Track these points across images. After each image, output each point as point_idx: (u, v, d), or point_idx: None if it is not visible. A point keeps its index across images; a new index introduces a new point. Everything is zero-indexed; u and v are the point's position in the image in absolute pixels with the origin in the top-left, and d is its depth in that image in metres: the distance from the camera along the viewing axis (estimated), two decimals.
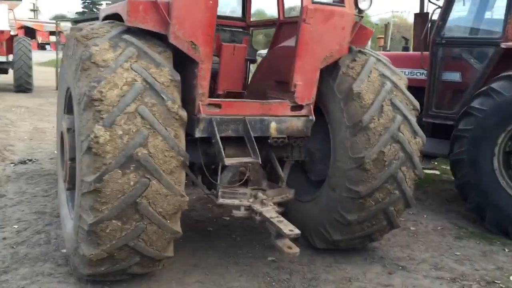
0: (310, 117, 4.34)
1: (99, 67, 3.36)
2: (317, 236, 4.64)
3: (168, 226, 3.50)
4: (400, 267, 4.56)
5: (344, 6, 4.17)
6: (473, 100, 5.61)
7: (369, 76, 4.25)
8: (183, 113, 3.50)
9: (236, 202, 4.13)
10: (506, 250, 5.15)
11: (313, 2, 4.03)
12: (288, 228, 3.71)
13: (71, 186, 3.93)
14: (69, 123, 3.92)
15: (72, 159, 3.81)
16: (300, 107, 4.31)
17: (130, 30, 3.62)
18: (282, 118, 4.25)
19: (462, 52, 6.28)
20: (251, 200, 4.14)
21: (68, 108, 4.18)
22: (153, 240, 3.53)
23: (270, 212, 3.97)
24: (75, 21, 5.30)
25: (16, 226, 5.05)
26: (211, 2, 3.67)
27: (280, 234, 3.77)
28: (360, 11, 4.28)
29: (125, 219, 3.35)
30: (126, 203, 3.29)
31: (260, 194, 4.16)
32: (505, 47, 5.68)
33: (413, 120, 4.27)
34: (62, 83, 4.31)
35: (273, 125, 4.22)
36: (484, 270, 4.60)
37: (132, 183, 3.28)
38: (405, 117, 4.20)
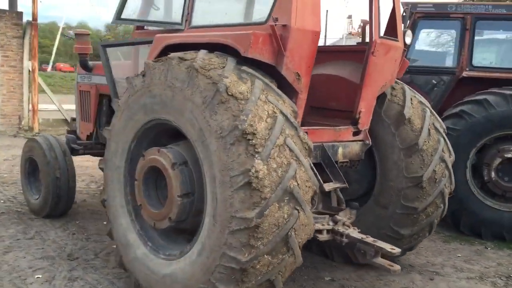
0: (367, 142, 4.66)
1: (238, 100, 3.28)
2: (360, 252, 4.94)
3: (300, 256, 3.52)
4: (434, 273, 5.10)
5: (398, 41, 4.61)
6: (445, 121, 6.47)
7: (411, 103, 4.75)
8: (311, 143, 3.57)
9: (319, 226, 4.25)
10: (489, 248, 6.04)
11: (380, 37, 4.40)
12: (389, 246, 3.98)
13: (175, 222, 3.68)
14: (174, 157, 3.66)
15: (185, 195, 3.59)
16: (358, 132, 4.61)
17: (242, 62, 3.58)
18: (346, 143, 4.51)
19: (421, 79, 7.16)
20: (331, 223, 4.29)
21: (154, 141, 3.98)
22: (285, 271, 3.51)
23: (355, 233, 4.19)
24: (103, 46, 4.83)
25: (39, 276, 4.45)
26: (316, 35, 3.81)
27: (376, 253, 4.02)
28: (405, 44, 4.76)
29: (275, 253, 3.30)
30: (280, 237, 3.25)
31: (338, 217, 4.34)
32: (466, 76, 6.68)
33: (447, 140, 4.87)
34: (137, 112, 3.95)
35: (340, 150, 4.46)
36: (492, 267, 5.37)
37: (286, 216, 3.26)
38: (444, 139, 4.78)
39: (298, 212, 3.32)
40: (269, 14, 3.75)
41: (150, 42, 4.36)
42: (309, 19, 3.78)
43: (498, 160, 6.25)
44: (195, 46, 3.79)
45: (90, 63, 6.49)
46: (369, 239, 4.08)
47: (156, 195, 3.94)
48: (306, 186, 3.41)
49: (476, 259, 5.62)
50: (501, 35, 7.27)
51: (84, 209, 6.62)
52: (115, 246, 4.26)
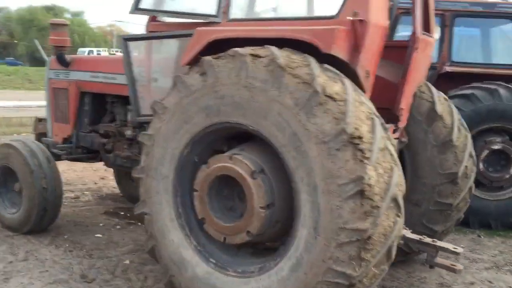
0: (403, 139, 4.60)
1: (337, 101, 3.03)
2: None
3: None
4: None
5: (432, 37, 4.58)
6: None
7: (439, 99, 4.76)
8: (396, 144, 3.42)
9: None
10: (482, 237, 6.30)
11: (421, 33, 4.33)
12: (451, 246, 3.96)
13: (253, 236, 3.34)
14: (253, 164, 3.30)
15: (268, 206, 3.26)
16: (397, 130, 4.53)
17: (321, 59, 3.32)
18: None
19: None
20: None
21: (208, 147, 3.58)
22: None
23: (410, 234, 4.12)
24: (125, 39, 4.22)
25: None
26: (385, 30, 3.66)
27: (434, 254, 3.98)
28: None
29: (379, 264, 3.11)
30: (386, 247, 3.07)
31: None
32: (447, 71, 6.88)
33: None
34: (195, 115, 3.53)
35: None
36: (498, 256, 5.60)
37: (392, 224, 3.07)
38: (469, 134, 4.85)
39: (399, 218, 3.16)
40: (341, 8, 3.51)
41: (187, 35, 3.94)
42: (381, 13, 3.61)
43: (485, 152, 6.52)
44: (248, 42, 3.46)
45: (68, 57, 5.80)
46: (427, 240, 4.03)
47: (220, 206, 3.56)
48: (399, 190, 3.26)
49: (478, 248, 5.83)
50: (478, 32, 7.58)
51: (64, 221, 5.91)
52: (162, 266, 3.79)
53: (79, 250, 5.03)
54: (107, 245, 5.19)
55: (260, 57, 3.25)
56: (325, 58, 3.27)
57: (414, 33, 4.28)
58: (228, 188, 3.55)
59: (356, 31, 3.39)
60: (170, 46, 4.31)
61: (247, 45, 3.45)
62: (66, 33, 5.66)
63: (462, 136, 4.71)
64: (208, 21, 4.10)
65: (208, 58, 3.45)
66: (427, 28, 4.60)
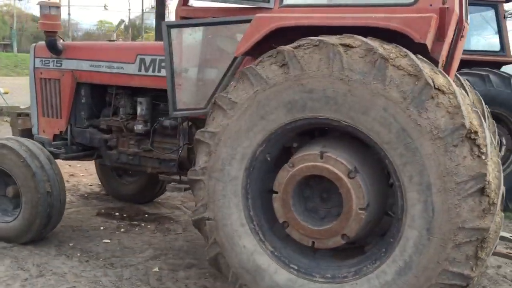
0: None
1: (447, 94, 2.88)
2: None
3: None
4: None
5: (468, 24, 4.54)
6: None
7: (469, 88, 4.77)
8: None
9: None
10: None
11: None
12: (509, 234, 3.98)
13: (349, 240, 3.12)
14: (348, 163, 3.05)
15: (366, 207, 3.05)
16: None
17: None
18: None
19: None
20: None
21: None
22: None
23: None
24: (169, 26, 3.70)
25: None
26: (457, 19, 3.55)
27: None
28: None
29: (487, 263, 3.03)
30: (495, 244, 3.00)
31: None
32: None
33: None
34: (274, 110, 3.21)
35: None
36: None
37: (500, 220, 2.99)
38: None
39: (502, 214, 3.08)
40: None
41: (243, 21, 3.60)
42: (457, 1, 3.48)
43: None
44: (312, 30, 3.23)
45: (59, 43, 5.17)
46: None
47: (303, 209, 3.30)
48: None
49: None
50: None
51: (59, 226, 5.31)
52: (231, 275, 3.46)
53: (95, 259, 4.53)
54: (123, 252, 4.72)
55: (351, 47, 3.01)
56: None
57: (461, 21, 4.21)
58: (309, 188, 3.30)
59: (444, 19, 3.25)
60: (217, 34, 3.92)
61: (310, 33, 3.21)
62: (57, 16, 5.01)
63: (491, 123, 4.75)
64: (258, 6, 3.77)
65: (288, 48, 3.15)
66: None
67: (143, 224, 5.54)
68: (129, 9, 70.50)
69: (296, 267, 3.31)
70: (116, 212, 5.95)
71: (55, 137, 5.32)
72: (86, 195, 6.65)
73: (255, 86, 3.23)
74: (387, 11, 3.34)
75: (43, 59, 5.26)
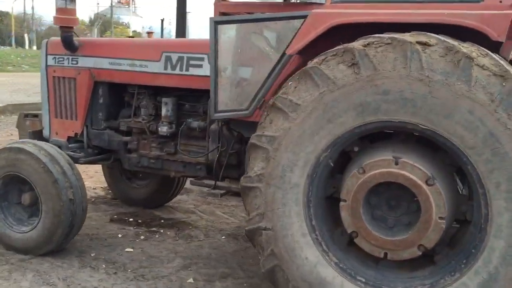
0: None
1: None
2: None
3: None
4: None
5: None
6: None
7: None
8: None
9: None
10: None
11: None
12: None
13: (426, 250, 2.94)
14: (427, 169, 2.87)
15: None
16: None
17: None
18: None
19: None
20: None
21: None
22: None
23: None
24: (217, 22, 3.41)
25: None
26: None
27: None
28: None
29: None
30: None
31: None
32: None
33: None
34: (342, 113, 3.00)
35: None
36: None
37: None
38: None
39: None
40: None
41: (296, 17, 3.39)
42: None
43: None
44: (373, 28, 3.06)
45: (76, 40, 4.84)
46: None
47: (371, 217, 3.10)
48: None
49: None
50: None
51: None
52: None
53: (123, 271, 4.25)
54: (150, 262, 4.45)
55: (429, 45, 2.83)
56: None
57: None
58: (376, 196, 3.11)
59: None
60: (263, 31, 3.68)
61: (368, 31, 3.04)
62: (74, 10, 4.68)
63: None
64: (308, 2, 3.55)
65: (358, 46, 2.95)
66: None
67: (162, 231, 5.27)
68: (97, 3, 68.89)
69: (363, 280, 3.11)
70: (130, 218, 5.65)
71: (69, 140, 5.00)
72: (93, 200, 6.30)
73: (321, 87, 3.02)
74: (451, 8, 3.17)
75: (57, 56, 4.92)
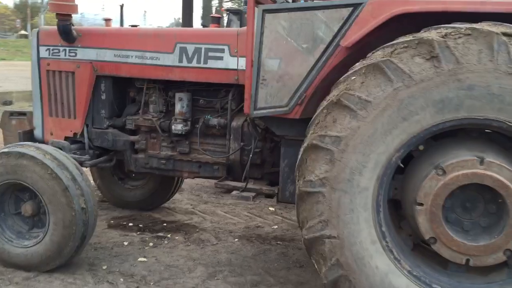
0: None
1: None
2: None
3: None
4: None
5: None
6: None
7: None
8: None
9: None
10: None
11: None
12: None
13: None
14: None
15: None
16: None
17: None
18: None
19: None
20: None
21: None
22: None
23: None
24: (265, 10, 3.02)
25: None
26: None
27: None
28: None
29: None
30: None
31: None
32: None
33: None
34: (419, 110, 2.77)
35: None
36: None
37: None
38: None
39: None
40: None
41: (352, 5, 3.12)
42: None
43: None
44: (435, 17, 2.88)
45: (74, 29, 4.34)
46: None
47: (445, 220, 2.90)
48: None
49: None
50: None
51: None
52: None
53: (145, 285, 3.86)
54: (171, 272, 4.08)
55: None
56: None
57: None
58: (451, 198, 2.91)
59: None
60: (310, 20, 3.37)
61: (428, 21, 2.85)
62: None
63: None
64: None
65: (437, 37, 2.72)
66: None
67: (169, 236, 4.89)
68: None
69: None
70: (130, 223, 5.22)
71: (66, 140, 4.50)
72: None
73: (395, 82, 2.77)
74: None
75: (51, 48, 4.41)
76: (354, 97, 2.84)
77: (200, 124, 4.21)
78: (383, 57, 2.81)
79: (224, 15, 11.04)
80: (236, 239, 4.87)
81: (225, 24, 10.13)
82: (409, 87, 2.75)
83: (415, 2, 2.97)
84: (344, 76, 2.98)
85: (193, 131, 4.29)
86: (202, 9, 50.15)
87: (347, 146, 2.87)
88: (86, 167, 4.41)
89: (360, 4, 3.09)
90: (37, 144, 4.01)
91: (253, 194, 3.95)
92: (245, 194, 3.95)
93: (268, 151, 4.16)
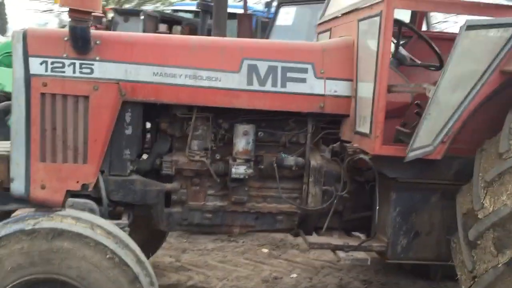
0: None
1: None
2: None
3: None
4: None
5: None
6: None
7: None
8: None
9: None
10: None
11: None
12: None
13: None
14: None
15: None
16: None
17: None
18: None
19: None
20: None
21: None
22: None
23: None
24: (470, 26, 2.09)
25: None
26: None
27: None
28: None
29: None
30: None
31: None
32: None
33: None
34: None
35: None
36: None
37: None
38: None
39: None
40: None
41: None
42: None
43: None
44: None
45: (94, 33, 2.98)
46: None
47: None
48: None
49: None
50: None
51: None
52: None
53: None
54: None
55: None
56: None
57: None
58: None
59: None
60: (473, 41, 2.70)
61: None
62: None
63: None
64: None
65: None
66: None
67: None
68: None
69: None
70: None
71: (66, 195, 3.06)
72: None
73: None
74: None
75: (49, 60, 2.92)
76: None
77: (267, 164, 3.24)
78: None
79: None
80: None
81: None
82: None
83: None
84: None
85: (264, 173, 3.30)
86: None
87: None
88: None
89: None
90: (70, 212, 2.58)
91: (368, 257, 3.15)
92: (360, 256, 3.12)
93: (353, 195, 3.39)
